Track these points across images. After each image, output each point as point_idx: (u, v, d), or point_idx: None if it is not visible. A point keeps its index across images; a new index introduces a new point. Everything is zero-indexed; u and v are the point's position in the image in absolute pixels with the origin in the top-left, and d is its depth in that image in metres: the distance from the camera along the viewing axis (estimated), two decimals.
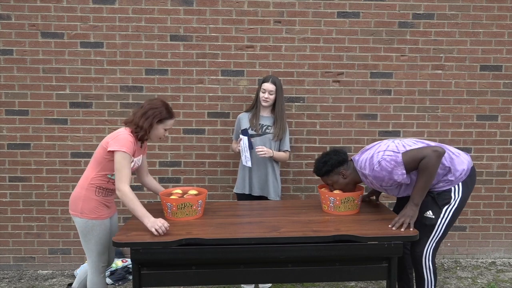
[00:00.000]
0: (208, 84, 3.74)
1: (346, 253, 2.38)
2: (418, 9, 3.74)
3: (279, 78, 3.45)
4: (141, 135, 2.55)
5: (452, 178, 2.56)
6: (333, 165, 2.68)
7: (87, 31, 3.63)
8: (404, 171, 2.47)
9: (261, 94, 3.27)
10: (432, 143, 2.62)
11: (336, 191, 2.75)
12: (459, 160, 2.59)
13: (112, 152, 2.46)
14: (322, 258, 2.40)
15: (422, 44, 3.77)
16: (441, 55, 3.79)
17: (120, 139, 2.48)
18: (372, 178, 2.57)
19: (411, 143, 2.59)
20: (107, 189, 2.60)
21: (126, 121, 2.62)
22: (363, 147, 3.81)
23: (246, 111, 3.43)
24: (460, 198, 2.57)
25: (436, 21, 3.75)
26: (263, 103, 3.28)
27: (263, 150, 3.19)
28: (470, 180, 2.62)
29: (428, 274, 2.61)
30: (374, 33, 3.74)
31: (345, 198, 2.68)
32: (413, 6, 3.73)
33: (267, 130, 3.31)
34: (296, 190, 3.88)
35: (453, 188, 2.57)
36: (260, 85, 3.30)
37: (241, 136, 3.19)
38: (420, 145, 2.57)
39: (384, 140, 2.68)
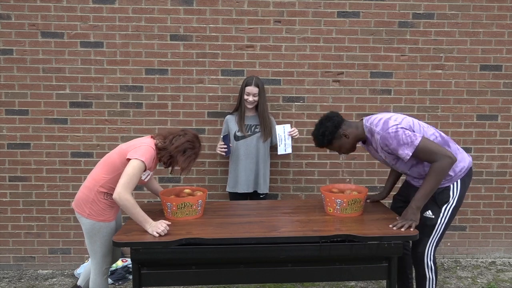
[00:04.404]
0: (208, 83, 3.74)
1: (346, 253, 2.38)
2: (418, 9, 3.73)
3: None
4: (163, 159, 2.56)
5: (452, 174, 2.56)
6: (332, 132, 2.61)
7: (87, 31, 3.63)
8: (411, 154, 2.43)
9: (245, 97, 3.35)
10: (445, 136, 2.61)
11: (341, 194, 2.72)
12: (462, 156, 2.61)
13: (129, 159, 2.44)
14: (322, 258, 2.40)
15: (422, 44, 3.77)
16: (441, 55, 3.79)
17: (142, 149, 2.47)
18: (379, 137, 2.50)
19: (430, 133, 2.56)
20: None
21: (157, 135, 2.60)
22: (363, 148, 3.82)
23: (232, 112, 3.51)
24: (458, 196, 2.59)
25: (436, 21, 3.75)
26: (248, 106, 3.38)
27: (295, 130, 3.43)
28: (468, 179, 2.63)
29: (430, 273, 2.63)
30: (374, 32, 3.74)
31: (352, 200, 2.64)
32: (413, 5, 3.72)
33: (256, 130, 3.41)
34: (296, 190, 3.88)
35: (451, 186, 2.58)
36: (243, 87, 3.36)
37: (279, 126, 3.38)
38: (436, 140, 2.55)
39: (399, 114, 2.62)
